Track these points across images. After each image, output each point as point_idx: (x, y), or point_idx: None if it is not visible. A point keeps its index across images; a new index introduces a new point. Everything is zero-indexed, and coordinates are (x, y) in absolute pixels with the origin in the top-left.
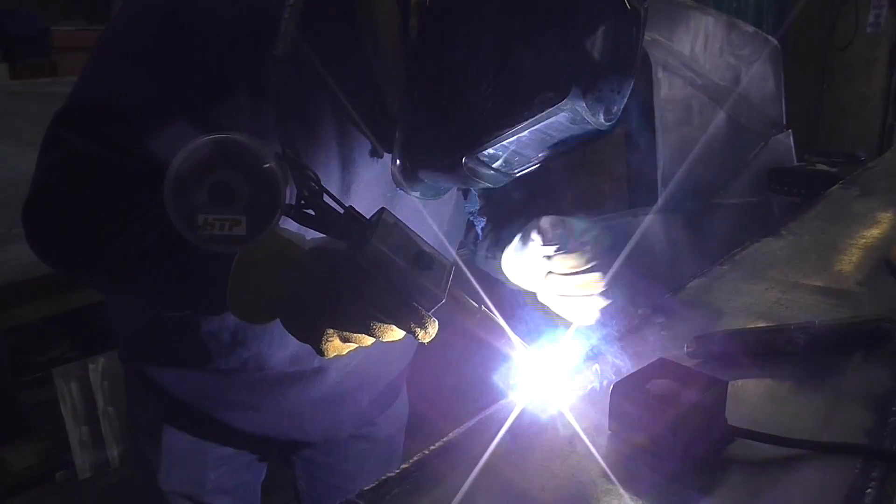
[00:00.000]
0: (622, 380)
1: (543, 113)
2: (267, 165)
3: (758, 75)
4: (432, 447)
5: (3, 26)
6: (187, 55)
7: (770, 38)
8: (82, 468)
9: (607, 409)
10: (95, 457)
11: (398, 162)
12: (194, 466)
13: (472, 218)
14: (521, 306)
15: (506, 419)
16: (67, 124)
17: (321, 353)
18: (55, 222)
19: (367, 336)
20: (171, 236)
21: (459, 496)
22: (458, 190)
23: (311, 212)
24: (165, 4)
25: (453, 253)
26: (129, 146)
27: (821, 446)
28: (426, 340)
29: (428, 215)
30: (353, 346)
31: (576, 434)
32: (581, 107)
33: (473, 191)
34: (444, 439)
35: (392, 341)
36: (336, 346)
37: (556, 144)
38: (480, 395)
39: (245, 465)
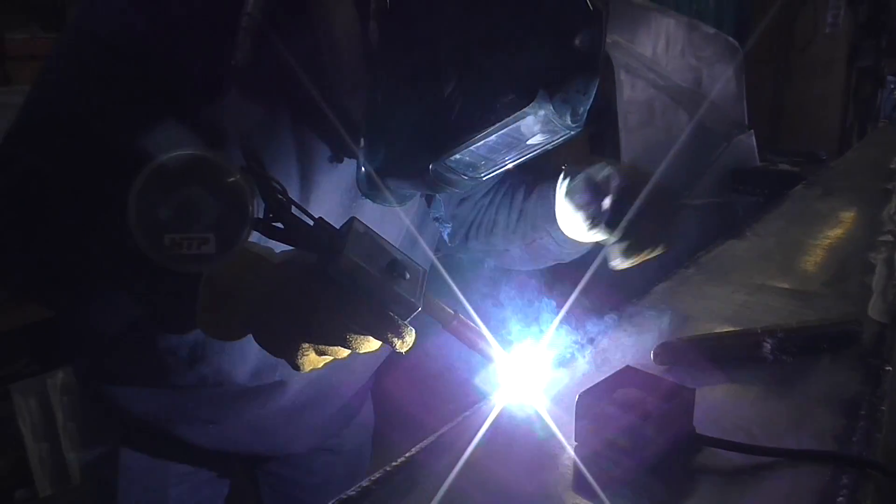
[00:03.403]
0: (588, 389)
1: (510, 117)
2: (233, 180)
3: (719, 76)
4: (395, 463)
5: None
6: (145, 69)
7: (731, 39)
8: (42, 486)
9: None
10: (56, 474)
11: (363, 169)
12: (154, 484)
13: (438, 224)
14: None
15: (480, 425)
16: (21, 141)
17: (297, 367)
18: (11, 248)
19: (343, 348)
20: (135, 257)
21: None
22: (421, 196)
23: (279, 225)
24: (121, 16)
25: (431, 255)
26: (87, 164)
27: (790, 454)
28: (404, 350)
29: (392, 220)
30: (328, 358)
31: (542, 443)
32: (548, 109)
33: (437, 196)
34: (408, 454)
35: (368, 352)
36: (312, 361)
37: (523, 148)
38: (451, 400)
39: (207, 481)
